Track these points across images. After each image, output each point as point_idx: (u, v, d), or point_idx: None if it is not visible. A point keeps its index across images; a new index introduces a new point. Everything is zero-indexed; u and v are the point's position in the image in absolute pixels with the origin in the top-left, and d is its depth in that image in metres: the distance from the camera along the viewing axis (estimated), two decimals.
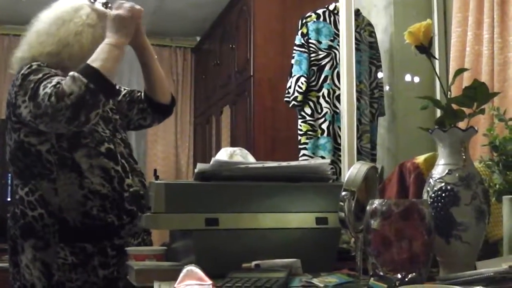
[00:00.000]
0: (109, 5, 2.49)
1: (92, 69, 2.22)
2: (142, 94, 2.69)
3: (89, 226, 2.31)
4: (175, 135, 7.41)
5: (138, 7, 2.43)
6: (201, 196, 1.79)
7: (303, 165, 1.99)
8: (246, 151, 3.23)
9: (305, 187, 1.88)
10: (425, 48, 1.71)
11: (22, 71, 2.30)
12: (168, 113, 2.78)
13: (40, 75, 2.24)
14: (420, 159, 2.39)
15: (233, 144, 5.31)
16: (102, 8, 2.47)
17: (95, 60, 2.25)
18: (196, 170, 1.84)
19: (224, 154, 3.18)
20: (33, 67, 2.30)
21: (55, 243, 2.30)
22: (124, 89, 2.73)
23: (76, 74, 2.17)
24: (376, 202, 1.48)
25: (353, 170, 1.65)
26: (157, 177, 2.01)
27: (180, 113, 7.46)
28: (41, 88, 2.18)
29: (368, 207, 1.50)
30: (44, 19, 2.49)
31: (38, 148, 2.32)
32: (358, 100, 3.83)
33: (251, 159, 3.13)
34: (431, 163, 2.25)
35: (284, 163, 1.91)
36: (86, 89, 2.15)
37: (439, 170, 1.62)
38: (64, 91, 2.13)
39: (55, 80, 2.20)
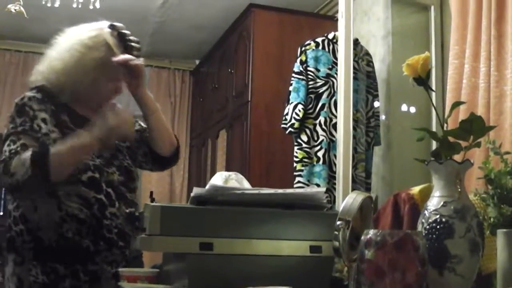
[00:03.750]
0: (123, 32, 2.49)
1: (46, 159, 2.22)
2: None
3: (63, 248, 2.29)
4: None
5: (126, 114, 2.38)
6: (197, 220, 1.79)
7: (298, 193, 2.00)
8: (241, 176, 3.22)
9: (300, 214, 1.88)
10: (423, 80, 1.72)
11: (17, 101, 2.39)
12: (167, 165, 2.76)
13: (15, 124, 2.32)
14: (415, 190, 2.40)
15: (228, 168, 5.32)
16: (112, 39, 2.45)
17: (61, 144, 2.27)
18: (192, 194, 1.84)
19: (219, 178, 3.18)
20: (22, 102, 2.37)
21: (29, 260, 2.30)
22: (139, 125, 2.68)
23: (28, 160, 2.19)
24: (371, 232, 1.48)
25: (348, 200, 1.65)
26: (153, 199, 2.02)
27: (176, 135, 7.45)
28: (6, 144, 2.28)
29: (362, 237, 1.50)
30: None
31: None
32: (354, 128, 3.85)
33: (246, 184, 3.13)
34: (426, 194, 2.26)
35: (280, 190, 1.91)
36: (28, 179, 2.18)
37: (434, 202, 1.63)
38: (9, 169, 2.19)
39: (15, 145, 2.26)
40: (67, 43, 2.47)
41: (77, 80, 2.41)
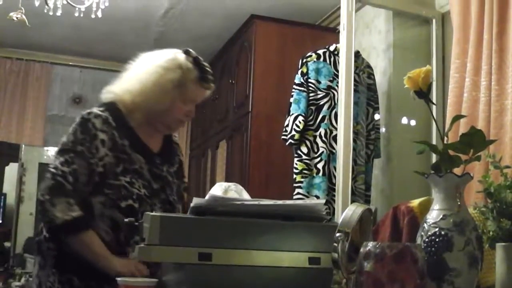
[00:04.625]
0: (197, 57, 2.59)
1: (72, 236, 2.31)
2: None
3: (82, 263, 2.33)
4: None
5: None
6: (196, 230, 1.79)
7: (298, 204, 2.00)
8: (241, 187, 3.22)
9: (299, 226, 1.88)
10: (423, 93, 1.72)
11: (83, 113, 2.47)
12: None
13: (75, 138, 2.38)
14: (415, 203, 2.40)
15: (228, 179, 5.31)
16: (187, 63, 2.54)
17: (96, 244, 2.32)
18: (191, 204, 1.84)
19: (218, 189, 3.18)
20: (88, 117, 2.43)
21: (50, 266, 2.38)
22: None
23: (67, 219, 2.28)
24: (370, 244, 1.48)
25: (348, 212, 1.65)
26: None
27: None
28: (59, 158, 2.36)
29: (361, 249, 1.50)
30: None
31: None
32: (354, 141, 3.85)
33: (245, 195, 3.12)
34: (425, 207, 2.26)
35: (279, 202, 1.91)
36: (55, 225, 2.29)
37: (434, 215, 1.63)
38: (53, 198, 2.29)
39: (68, 168, 2.34)
40: (144, 66, 2.55)
41: (154, 100, 2.49)
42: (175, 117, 2.57)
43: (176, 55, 2.56)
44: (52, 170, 2.35)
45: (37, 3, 4.26)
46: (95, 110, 2.47)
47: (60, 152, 2.39)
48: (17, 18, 4.44)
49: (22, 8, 4.44)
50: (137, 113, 2.51)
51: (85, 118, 2.43)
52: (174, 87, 2.49)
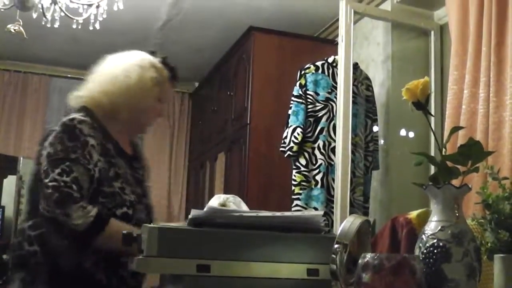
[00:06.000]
0: (163, 57, 2.60)
1: (103, 228, 2.23)
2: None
3: (77, 277, 2.27)
4: (168, 179, 7.38)
5: None
6: (194, 241, 1.79)
7: (296, 216, 2.00)
8: (239, 199, 3.21)
9: (297, 237, 1.88)
10: (422, 105, 1.73)
11: (65, 120, 2.36)
12: None
13: (65, 147, 2.28)
14: (413, 214, 2.39)
15: (226, 190, 5.30)
16: (157, 62, 2.56)
17: (117, 225, 2.23)
18: (190, 216, 1.84)
19: (216, 201, 3.16)
20: (72, 124, 2.33)
21: (42, 282, 2.27)
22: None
23: (92, 218, 2.19)
24: (368, 256, 1.48)
25: (346, 223, 1.65)
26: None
27: (175, 158, 7.45)
28: (56, 170, 2.22)
29: (360, 261, 1.50)
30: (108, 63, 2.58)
31: None
32: (353, 152, 3.85)
33: (244, 207, 3.11)
34: (423, 218, 2.26)
35: (277, 213, 1.91)
36: (84, 231, 2.18)
37: (432, 226, 1.63)
38: (68, 211, 2.17)
39: (68, 177, 2.22)
40: (118, 67, 2.52)
41: (138, 99, 2.48)
42: (151, 117, 2.58)
43: (145, 55, 2.58)
44: (52, 183, 2.21)
45: (34, 15, 4.26)
46: (76, 115, 2.38)
47: (53, 163, 2.26)
48: (14, 30, 4.44)
49: (20, 20, 4.44)
50: (121, 114, 2.47)
51: (69, 124, 2.34)
52: (154, 85, 2.50)
